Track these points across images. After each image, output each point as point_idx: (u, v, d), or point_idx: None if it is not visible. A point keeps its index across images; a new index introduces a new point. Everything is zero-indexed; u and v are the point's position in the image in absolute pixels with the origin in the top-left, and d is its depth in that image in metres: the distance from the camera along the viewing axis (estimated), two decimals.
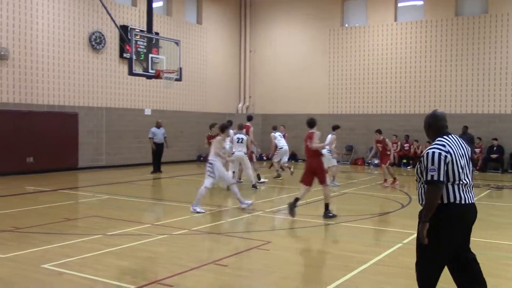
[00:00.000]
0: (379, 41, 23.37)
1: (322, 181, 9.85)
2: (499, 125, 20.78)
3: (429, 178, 4.26)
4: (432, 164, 4.25)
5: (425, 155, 4.36)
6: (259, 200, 12.30)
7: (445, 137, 4.44)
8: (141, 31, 16.08)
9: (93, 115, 19.31)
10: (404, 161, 22.32)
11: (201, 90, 24.31)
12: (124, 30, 18.33)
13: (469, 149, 4.55)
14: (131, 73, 14.53)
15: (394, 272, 6.39)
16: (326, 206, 9.91)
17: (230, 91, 26.34)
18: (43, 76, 17.68)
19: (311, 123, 10.40)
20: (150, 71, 14.60)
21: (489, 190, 14.89)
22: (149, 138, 18.60)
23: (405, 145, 22.34)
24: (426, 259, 4.43)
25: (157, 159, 18.65)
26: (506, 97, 20.73)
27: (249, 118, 16.37)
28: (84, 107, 18.96)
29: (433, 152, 4.29)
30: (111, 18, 15.70)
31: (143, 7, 19.79)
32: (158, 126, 18.66)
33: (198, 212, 10.28)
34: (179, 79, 15.52)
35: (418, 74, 22.54)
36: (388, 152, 15.55)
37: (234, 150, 13.81)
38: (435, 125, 4.57)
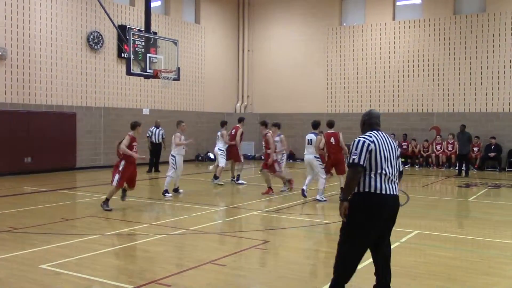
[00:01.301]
0: (377, 40, 23.37)
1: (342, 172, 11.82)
2: (496, 124, 20.81)
3: (350, 161, 4.66)
4: (356, 149, 4.66)
5: (352, 143, 4.76)
6: (256, 200, 12.31)
7: (374, 131, 4.83)
8: (139, 30, 16.09)
9: (91, 115, 19.29)
10: (402, 160, 22.34)
11: (199, 89, 24.31)
12: (122, 30, 18.34)
13: (398, 149, 4.92)
14: (129, 72, 14.52)
15: (392, 270, 6.36)
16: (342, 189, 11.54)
17: (228, 91, 26.34)
18: (41, 76, 17.66)
19: (332, 123, 12.31)
20: (148, 70, 14.60)
21: (486, 189, 14.92)
22: (147, 137, 18.65)
23: (403, 144, 22.35)
24: (348, 238, 4.76)
25: (154, 158, 18.68)
26: (504, 96, 20.76)
27: (240, 120, 16.23)
28: (82, 107, 18.95)
29: (359, 140, 4.71)
30: (109, 18, 15.70)
31: (141, 6, 19.81)
32: (157, 126, 18.70)
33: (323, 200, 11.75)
34: (177, 79, 15.52)
35: (416, 73, 22.56)
36: (269, 151, 13.02)
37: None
38: (369, 122, 4.92)
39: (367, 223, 4.65)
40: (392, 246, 7.45)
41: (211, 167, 16.28)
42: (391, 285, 5.83)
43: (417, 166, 21.93)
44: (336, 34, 24.39)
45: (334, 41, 24.42)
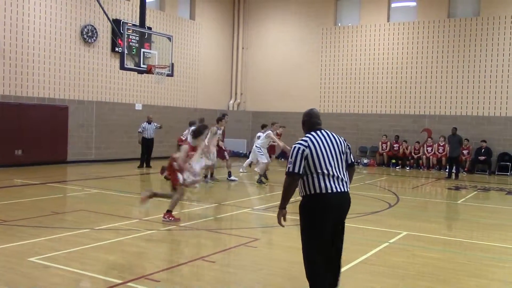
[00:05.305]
0: (371, 41, 23.44)
1: None
2: (487, 128, 20.96)
3: (287, 169, 4.72)
4: (291, 157, 4.70)
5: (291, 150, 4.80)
6: (247, 198, 12.33)
7: (312, 133, 4.85)
8: (134, 25, 16.02)
9: (84, 109, 19.21)
10: (393, 161, 22.47)
11: (193, 86, 24.28)
12: (116, 24, 18.25)
13: (344, 144, 4.91)
14: (122, 67, 14.46)
15: (381, 271, 6.45)
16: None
17: (222, 88, 26.32)
18: (34, 68, 17.55)
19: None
20: (142, 66, 14.55)
21: (476, 192, 15.02)
22: (139, 132, 18.63)
23: (395, 145, 22.47)
24: (308, 244, 4.78)
25: (146, 154, 18.66)
26: (495, 100, 20.91)
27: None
28: (74, 101, 18.86)
29: (294, 147, 4.75)
30: (104, 12, 15.64)
31: (136, 1, 19.72)
32: (149, 121, 18.66)
33: None
34: (170, 75, 15.49)
35: (409, 75, 22.65)
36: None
37: None
38: (309, 122, 4.98)
39: (317, 223, 4.71)
40: (381, 247, 7.61)
41: (256, 168, 16.15)
42: (379, 284, 5.87)
43: (407, 168, 22.05)
44: (330, 34, 24.43)
45: (329, 41, 24.46)
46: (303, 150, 4.69)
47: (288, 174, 4.70)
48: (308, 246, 4.77)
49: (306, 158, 4.68)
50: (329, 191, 4.67)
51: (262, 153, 15.41)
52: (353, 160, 5.03)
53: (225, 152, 15.65)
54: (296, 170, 4.66)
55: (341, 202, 4.78)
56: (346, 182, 4.82)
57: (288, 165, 4.71)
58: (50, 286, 5.47)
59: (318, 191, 4.68)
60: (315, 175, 4.68)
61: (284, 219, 4.84)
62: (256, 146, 15.65)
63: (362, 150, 23.52)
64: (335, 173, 4.72)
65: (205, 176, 14.86)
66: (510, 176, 20.13)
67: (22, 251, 6.75)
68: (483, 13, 21.20)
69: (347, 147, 4.95)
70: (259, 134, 16.21)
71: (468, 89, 21.45)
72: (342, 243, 4.97)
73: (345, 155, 4.88)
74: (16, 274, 5.82)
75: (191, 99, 24.20)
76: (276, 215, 4.96)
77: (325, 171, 4.68)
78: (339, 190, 4.72)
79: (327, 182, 4.68)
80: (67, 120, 18.57)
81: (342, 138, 4.99)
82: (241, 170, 17.39)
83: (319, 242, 4.73)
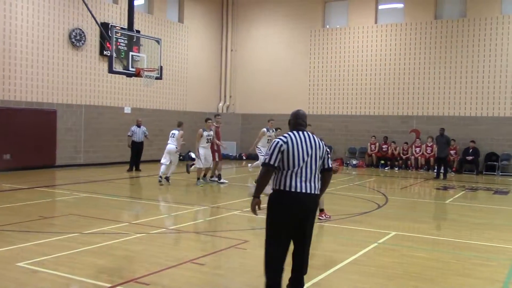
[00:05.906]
0: (359, 42, 23.57)
1: None
2: (474, 128, 21.14)
3: (263, 160, 4.96)
4: (269, 150, 4.94)
5: None
6: (237, 200, 12.33)
7: (295, 132, 5.05)
8: (122, 28, 16.00)
9: (72, 113, 19.12)
10: (382, 162, 22.58)
11: (182, 89, 24.25)
12: (104, 28, 18.19)
13: (323, 149, 5.07)
14: (111, 70, 14.45)
15: (370, 271, 6.49)
16: None
17: (211, 90, 26.32)
18: (22, 72, 17.44)
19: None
20: (131, 69, 14.54)
21: (463, 192, 15.15)
22: (128, 136, 18.59)
23: (383, 146, 22.59)
24: (268, 236, 4.97)
25: (135, 157, 18.61)
26: (482, 100, 21.10)
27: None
28: (62, 105, 18.76)
29: (274, 141, 4.99)
30: (92, 15, 15.61)
31: (124, 4, 19.68)
32: (138, 124, 18.63)
33: None
34: (159, 78, 15.48)
35: (397, 76, 22.80)
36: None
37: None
38: (294, 122, 5.18)
39: (280, 219, 4.87)
40: (370, 247, 7.66)
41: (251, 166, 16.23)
42: (368, 285, 5.91)
43: (396, 168, 22.17)
44: (318, 36, 24.53)
45: (317, 43, 24.56)
46: (281, 145, 4.89)
47: (263, 164, 4.93)
48: (269, 239, 4.95)
49: (282, 153, 4.86)
50: (296, 190, 4.83)
51: (261, 153, 15.07)
52: (330, 166, 5.16)
53: (216, 153, 15.48)
54: (272, 162, 4.86)
55: (308, 203, 4.92)
56: (315, 185, 4.95)
57: (265, 156, 4.92)
58: None
59: (287, 188, 4.85)
60: (285, 172, 4.86)
61: (259, 208, 5.00)
62: (256, 147, 15.48)
63: (351, 151, 23.62)
64: (306, 175, 4.88)
65: (198, 178, 14.83)
66: (497, 175, 20.33)
67: (10, 256, 6.71)
68: (470, 15, 21.40)
69: (326, 152, 5.11)
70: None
71: (456, 89, 21.64)
72: (309, 242, 5.13)
73: (321, 160, 5.03)
74: (4, 279, 5.78)
75: (180, 102, 24.17)
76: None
77: (297, 170, 4.85)
78: (307, 191, 4.87)
79: (297, 182, 4.84)
80: (56, 124, 18.47)
81: (323, 142, 5.14)
82: (249, 168, 17.10)
83: (280, 237, 4.88)
